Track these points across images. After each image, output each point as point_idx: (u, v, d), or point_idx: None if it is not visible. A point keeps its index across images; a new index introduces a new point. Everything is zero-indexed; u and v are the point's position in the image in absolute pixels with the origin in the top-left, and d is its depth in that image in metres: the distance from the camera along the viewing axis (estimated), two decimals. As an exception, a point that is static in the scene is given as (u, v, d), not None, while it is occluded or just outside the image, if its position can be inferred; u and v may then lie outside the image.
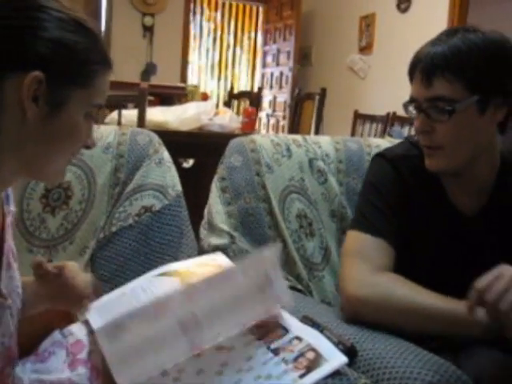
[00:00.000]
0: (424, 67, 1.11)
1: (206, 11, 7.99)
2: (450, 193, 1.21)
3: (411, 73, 1.16)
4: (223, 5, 8.02)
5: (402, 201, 1.22)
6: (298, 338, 0.97)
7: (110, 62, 0.84)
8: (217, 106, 5.93)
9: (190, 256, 1.38)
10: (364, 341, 1.02)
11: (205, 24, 8.04)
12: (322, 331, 1.01)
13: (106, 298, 1.09)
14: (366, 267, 1.13)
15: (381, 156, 1.31)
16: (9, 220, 0.89)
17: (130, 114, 2.80)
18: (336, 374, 0.91)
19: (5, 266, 0.85)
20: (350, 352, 0.97)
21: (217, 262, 1.21)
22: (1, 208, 0.87)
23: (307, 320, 1.06)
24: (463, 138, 1.12)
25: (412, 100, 1.16)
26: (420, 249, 1.20)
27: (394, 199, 1.23)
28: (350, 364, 0.96)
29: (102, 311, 1.04)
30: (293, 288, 1.33)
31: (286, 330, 0.99)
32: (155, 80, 5.83)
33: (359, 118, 5.08)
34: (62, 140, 0.80)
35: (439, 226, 1.20)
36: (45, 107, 0.75)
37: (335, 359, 0.92)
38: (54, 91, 0.75)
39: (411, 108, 1.17)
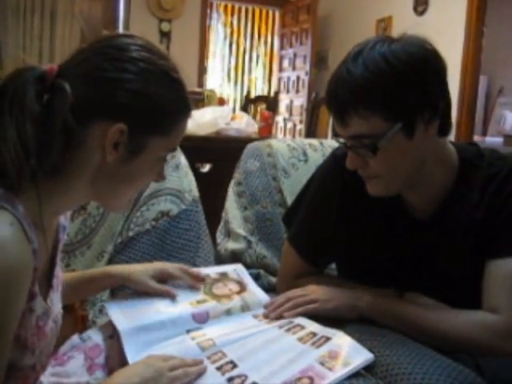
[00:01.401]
0: (335, 107, 1.03)
1: (223, 16, 8.02)
2: (404, 195, 1.14)
3: (327, 107, 1.07)
4: (239, 10, 8.04)
5: (338, 203, 1.20)
6: (326, 337, 0.98)
7: (190, 108, 0.87)
8: (233, 110, 5.94)
9: (206, 260, 1.39)
10: (382, 346, 1.01)
11: (221, 29, 8.07)
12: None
13: (129, 298, 1.10)
14: (282, 271, 1.33)
15: (332, 153, 1.27)
16: (60, 247, 0.93)
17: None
18: (357, 375, 0.91)
19: (55, 287, 0.88)
20: (368, 357, 0.96)
21: (237, 276, 1.22)
22: (56, 234, 0.90)
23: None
24: (397, 165, 1.04)
25: (337, 134, 1.09)
26: (369, 249, 1.19)
27: (328, 202, 1.22)
28: (368, 369, 0.95)
29: (124, 310, 1.05)
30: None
31: (313, 334, 1.01)
32: (172, 85, 5.86)
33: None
34: (134, 180, 0.86)
35: (390, 227, 1.17)
36: (124, 153, 0.80)
37: (361, 356, 0.92)
38: (135, 139, 0.80)
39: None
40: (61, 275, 0.95)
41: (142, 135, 0.81)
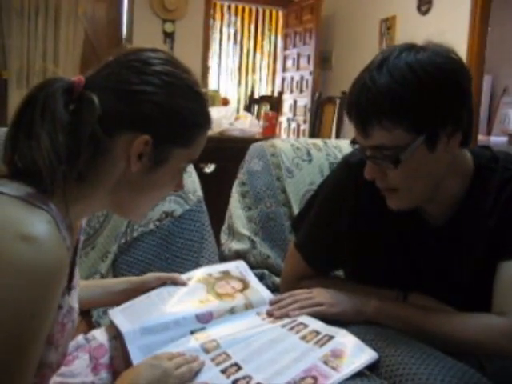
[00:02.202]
0: (357, 116, 1.00)
1: (226, 16, 8.02)
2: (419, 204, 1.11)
3: (348, 115, 1.04)
4: (243, 10, 8.04)
5: (350, 211, 1.17)
6: (329, 336, 0.98)
7: (210, 121, 0.90)
8: (237, 110, 5.94)
9: (210, 261, 1.39)
10: (386, 346, 1.01)
11: (225, 29, 8.07)
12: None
13: (131, 300, 1.10)
14: (286, 272, 1.32)
15: (345, 159, 1.23)
16: (79, 248, 0.95)
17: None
18: (361, 375, 0.91)
19: (74, 287, 0.90)
20: (372, 358, 0.96)
21: (239, 273, 1.22)
22: (76, 235, 0.92)
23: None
24: (417, 178, 1.02)
25: (356, 142, 1.06)
26: (380, 255, 1.17)
27: (339, 210, 1.19)
28: (372, 370, 0.95)
29: (126, 313, 1.06)
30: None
31: (317, 332, 1.01)
32: (176, 85, 5.86)
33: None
34: (155, 190, 0.89)
35: (404, 233, 1.14)
36: (147, 163, 0.83)
37: (365, 355, 0.92)
38: (158, 150, 0.83)
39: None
40: (78, 275, 0.96)
41: (166, 146, 0.84)
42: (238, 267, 1.24)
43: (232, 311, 1.08)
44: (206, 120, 0.89)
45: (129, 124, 0.81)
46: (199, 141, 0.88)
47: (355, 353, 0.93)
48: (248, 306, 1.11)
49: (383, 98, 0.95)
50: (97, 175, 0.81)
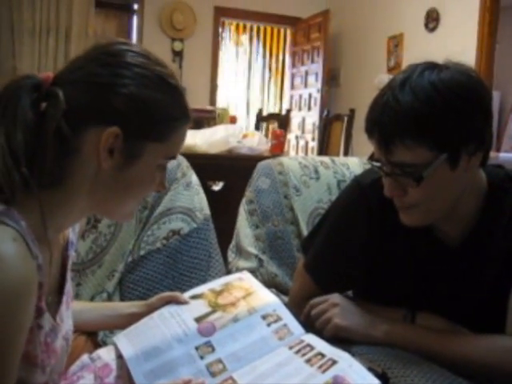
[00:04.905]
0: (379, 135, 0.99)
1: (235, 35, 8.09)
2: (435, 223, 1.10)
3: (368, 133, 1.02)
4: (251, 28, 8.11)
5: (361, 233, 1.16)
6: (333, 361, 0.96)
7: (189, 115, 0.86)
8: (245, 128, 5.96)
9: (217, 279, 1.38)
10: (395, 367, 0.99)
11: (233, 47, 8.14)
12: (352, 356, 0.99)
13: (135, 324, 1.10)
14: (294, 292, 1.32)
15: (356, 180, 1.22)
16: (69, 264, 0.92)
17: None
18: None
19: (64, 304, 0.88)
20: (381, 379, 0.94)
21: (242, 282, 1.21)
22: (64, 251, 0.90)
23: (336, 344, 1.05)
24: (436, 195, 1.01)
25: (375, 158, 1.04)
26: (393, 276, 1.15)
27: (350, 232, 1.19)
28: (381, 391, 0.93)
29: (129, 335, 1.05)
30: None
31: (322, 355, 0.99)
32: (185, 103, 5.90)
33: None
34: (133, 188, 0.83)
35: (419, 255, 1.12)
36: (119, 159, 0.79)
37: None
38: (130, 145, 0.79)
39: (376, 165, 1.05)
40: (71, 292, 0.95)
41: (138, 141, 0.79)
42: (240, 278, 1.23)
43: (235, 319, 1.06)
44: (183, 114, 0.84)
45: (96, 118, 0.77)
46: (176, 136, 0.84)
47: (356, 381, 0.91)
48: (251, 311, 1.09)
49: (407, 117, 0.94)
50: (70, 178, 0.78)
